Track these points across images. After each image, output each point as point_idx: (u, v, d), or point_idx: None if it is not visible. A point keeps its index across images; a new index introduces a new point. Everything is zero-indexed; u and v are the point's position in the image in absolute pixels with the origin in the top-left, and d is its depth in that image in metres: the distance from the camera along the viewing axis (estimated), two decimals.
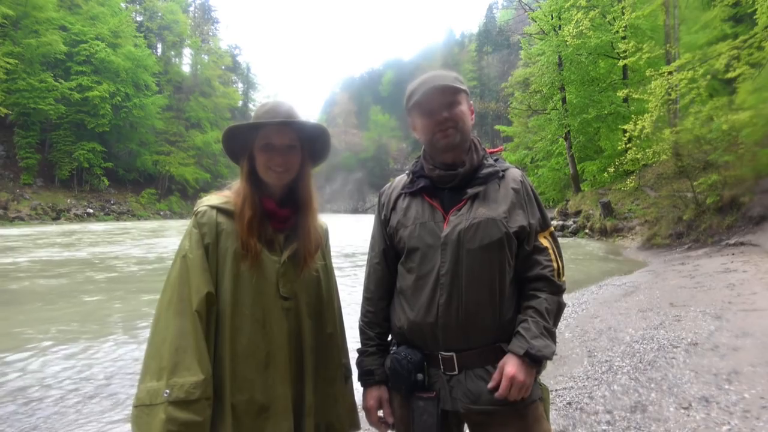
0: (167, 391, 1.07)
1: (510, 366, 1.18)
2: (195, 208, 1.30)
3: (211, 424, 1.15)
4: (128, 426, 1.22)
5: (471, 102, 1.36)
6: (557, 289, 1.29)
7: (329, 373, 1.40)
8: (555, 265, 1.30)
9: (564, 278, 1.32)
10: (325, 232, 1.47)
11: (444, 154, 1.32)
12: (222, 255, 1.24)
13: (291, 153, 1.30)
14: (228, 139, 1.33)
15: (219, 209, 1.28)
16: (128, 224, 31.20)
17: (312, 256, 1.34)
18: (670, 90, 12.17)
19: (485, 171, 1.32)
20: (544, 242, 1.31)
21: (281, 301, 1.28)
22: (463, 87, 1.30)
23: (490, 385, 1.20)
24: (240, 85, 70.10)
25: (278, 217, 1.31)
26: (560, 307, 1.30)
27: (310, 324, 1.36)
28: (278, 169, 1.29)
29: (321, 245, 1.41)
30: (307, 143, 1.36)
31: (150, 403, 1.07)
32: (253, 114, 1.36)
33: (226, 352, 1.20)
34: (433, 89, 1.27)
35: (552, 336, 1.24)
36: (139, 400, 1.09)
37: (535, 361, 1.19)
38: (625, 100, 19.06)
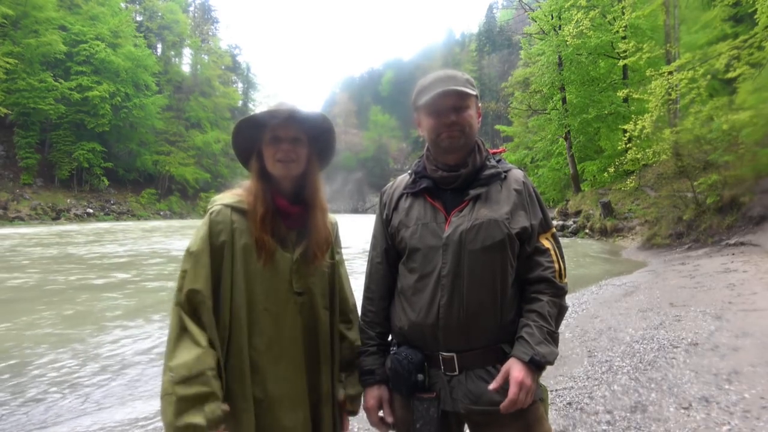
0: (172, 374, 1.13)
1: (517, 371, 1.17)
2: (209, 206, 1.33)
3: (235, 417, 1.21)
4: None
5: (479, 105, 1.36)
6: (559, 291, 1.28)
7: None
8: (556, 266, 1.29)
9: (566, 280, 1.32)
10: (334, 227, 1.50)
11: (447, 155, 1.33)
12: (237, 252, 1.27)
13: (298, 144, 1.33)
14: (237, 139, 1.37)
15: (233, 208, 1.31)
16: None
17: (322, 252, 1.37)
18: (670, 90, 12.16)
19: (487, 172, 1.32)
20: (546, 243, 1.31)
21: (295, 296, 1.32)
22: (474, 92, 1.30)
23: (493, 386, 1.19)
24: (240, 85, 70.11)
25: (290, 214, 1.35)
26: (562, 309, 1.30)
27: (327, 315, 1.40)
28: (285, 158, 1.31)
29: (330, 239, 1.44)
30: (312, 139, 1.39)
31: (166, 393, 1.13)
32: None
33: (244, 347, 1.25)
34: (444, 92, 1.26)
35: (555, 341, 1.24)
36: (162, 390, 1.15)
37: (539, 368, 1.19)
38: (625, 100, 19.06)
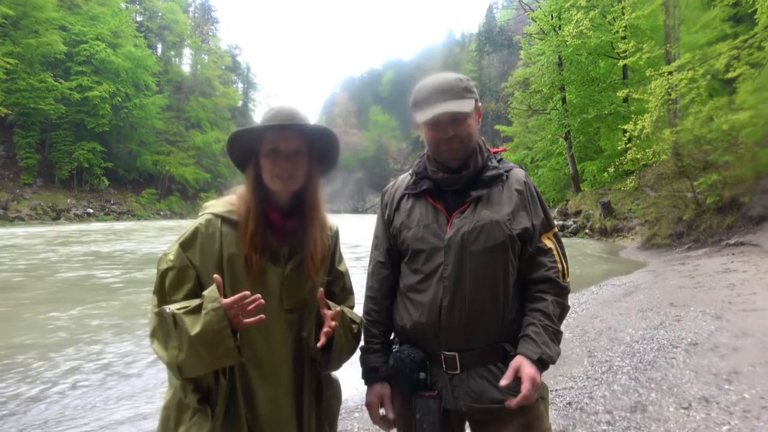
0: (168, 308, 1.09)
1: (527, 367, 1.18)
2: (200, 214, 1.28)
3: None
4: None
5: (480, 106, 1.35)
6: (562, 291, 1.29)
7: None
8: (560, 266, 1.30)
9: (569, 279, 1.33)
10: (335, 235, 1.43)
11: (448, 161, 1.32)
12: (225, 267, 1.21)
13: (297, 159, 1.25)
14: (232, 146, 1.28)
15: (223, 218, 1.24)
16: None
17: (317, 270, 1.30)
18: (670, 90, 12.17)
19: (489, 173, 1.32)
20: (548, 243, 1.32)
21: (285, 313, 1.26)
22: (472, 98, 1.28)
23: (504, 382, 1.19)
24: (240, 85, 70.09)
25: (283, 229, 1.27)
26: (564, 309, 1.31)
27: (316, 334, 1.32)
28: (284, 175, 1.23)
29: (327, 255, 1.36)
30: (315, 150, 1.30)
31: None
32: (259, 118, 1.31)
33: (235, 367, 1.19)
34: (442, 115, 1.24)
35: (559, 340, 1.26)
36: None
37: (545, 367, 1.20)
38: (625, 100, 19.06)
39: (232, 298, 1.08)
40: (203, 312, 1.07)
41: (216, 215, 1.24)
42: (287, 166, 1.23)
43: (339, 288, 1.42)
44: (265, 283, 1.22)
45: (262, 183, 1.26)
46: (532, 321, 1.24)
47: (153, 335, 1.14)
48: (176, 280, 1.17)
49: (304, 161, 1.27)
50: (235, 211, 1.25)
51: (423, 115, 1.27)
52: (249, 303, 1.08)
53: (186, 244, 1.20)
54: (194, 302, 1.11)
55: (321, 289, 1.27)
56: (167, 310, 1.08)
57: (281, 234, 1.27)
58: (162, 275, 1.18)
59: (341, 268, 1.43)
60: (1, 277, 9.02)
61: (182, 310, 1.09)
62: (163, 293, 1.17)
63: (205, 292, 1.11)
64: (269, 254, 1.24)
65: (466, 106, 1.26)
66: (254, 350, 1.22)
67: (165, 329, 1.10)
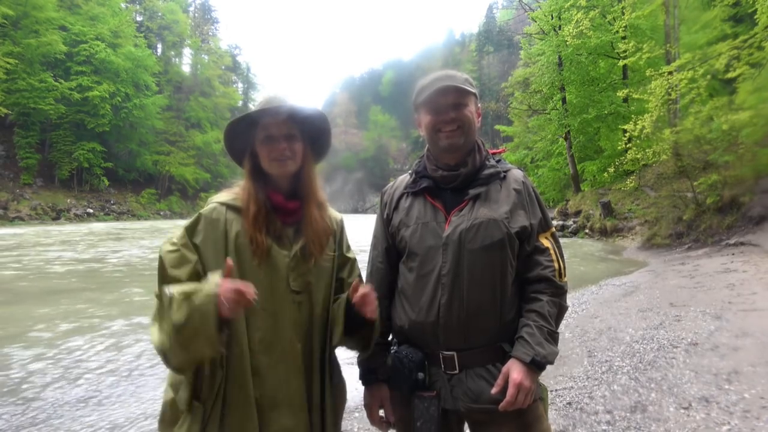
0: (168, 289, 1.08)
1: (516, 372, 1.18)
2: (206, 204, 1.31)
3: (238, 420, 1.18)
4: None
5: (479, 105, 1.37)
6: (559, 290, 1.29)
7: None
8: (556, 265, 1.30)
9: (565, 279, 1.32)
10: (340, 223, 1.45)
11: (446, 155, 1.33)
12: (232, 251, 1.23)
13: (292, 141, 1.30)
14: (229, 140, 1.34)
15: (228, 206, 1.29)
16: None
17: (320, 248, 1.32)
18: (670, 90, 12.16)
19: (487, 172, 1.33)
20: (545, 243, 1.31)
21: (292, 295, 1.27)
22: (473, 90, 1.31)
23: (494, 390, 1.20)
24: (240, 85, 70.15)
25: (286, 210, 1.31)
26: (562, 309, 1.30)
27: (324, 316, 1.34)
28: (280, 157, 1.28)
29: (331, 236, 1.38)
30: (307, 135, 1.35)
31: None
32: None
33: (244, 348, 1.21)
34: (443, 89, 1.27)
35: (555, 340, 1.25)
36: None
37: (540, 368, 1.20)
38: (625, 100, 19.05)
39: (236, 284, 1.08)
40: (195, 296, 1.07)
41: (221, 203, 1.29)
42: (283, 147, 1.28)
43: (346, 274, 1.42)
44: (273, 266, 1.26)
45: (261, 170, 1.31)
46: (527, 322, 1.24)
47: (153, 319, 1.15)
48: (177, 260, 1.19)
49: (299, 142, 1.32)
50: (238, 198, 1.30)
51: (424, 95, 1.29)
52: (247, 293, 1.08)
53: (191, 229, 1.25)
54: (195, 285, 1.11)
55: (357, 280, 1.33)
56: (167, 292, 1.09)
57: (285, 214, 1.31)
58: (163, 258, 1.20)
59: (350, 255, 1.45)
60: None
61: (181, 292, 1.09)
62: (165, 275, 1.18)
63: (209, 275, 1.13)
64: (274, 236, 1.27)
65: (467, 88, 1.29)
66: (265, 335, 1.24)
67: (161, 312, 1.11)
